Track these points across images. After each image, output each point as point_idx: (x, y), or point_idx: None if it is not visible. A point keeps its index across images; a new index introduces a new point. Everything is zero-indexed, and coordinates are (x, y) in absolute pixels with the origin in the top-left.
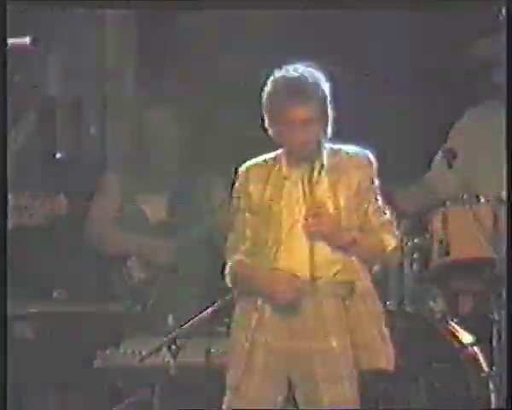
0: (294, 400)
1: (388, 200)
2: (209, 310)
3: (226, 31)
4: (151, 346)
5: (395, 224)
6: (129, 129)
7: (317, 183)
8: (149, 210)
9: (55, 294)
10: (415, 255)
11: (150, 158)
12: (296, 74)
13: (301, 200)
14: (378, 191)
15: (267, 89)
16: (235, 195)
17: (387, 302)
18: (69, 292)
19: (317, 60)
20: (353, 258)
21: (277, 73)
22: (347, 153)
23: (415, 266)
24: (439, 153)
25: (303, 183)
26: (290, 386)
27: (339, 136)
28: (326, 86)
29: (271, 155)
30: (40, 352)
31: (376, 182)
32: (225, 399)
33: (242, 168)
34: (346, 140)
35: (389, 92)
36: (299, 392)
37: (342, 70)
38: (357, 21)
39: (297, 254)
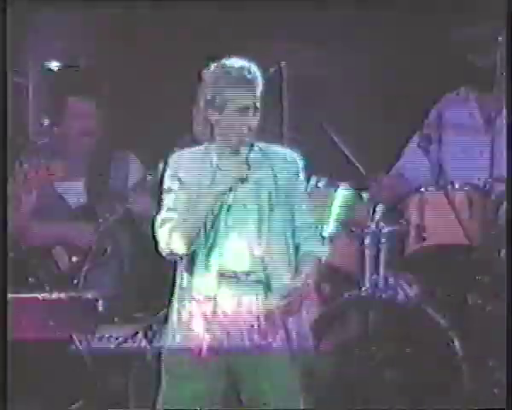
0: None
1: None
2: None
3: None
4: (127, 331)
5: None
6: (48, 113)
7: (247, 175)
8: (69, 196)
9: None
10: (390, 241)
11: (69, 142)
12: (242, 63)
13: (232, 191)
14: (304, 190)
15: (211, 77)
16: (166, 181)
17: (362, 288)
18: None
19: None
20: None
21: (219, 64)
22: (275, 150)
23: (390, 252)
24: (414, 139)
25: (234, 173)
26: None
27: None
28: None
29: (201, 146)
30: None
31: (303, 181)
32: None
33: (173, 156)
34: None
35: (363, 79)
36: (243, 387)
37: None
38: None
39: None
